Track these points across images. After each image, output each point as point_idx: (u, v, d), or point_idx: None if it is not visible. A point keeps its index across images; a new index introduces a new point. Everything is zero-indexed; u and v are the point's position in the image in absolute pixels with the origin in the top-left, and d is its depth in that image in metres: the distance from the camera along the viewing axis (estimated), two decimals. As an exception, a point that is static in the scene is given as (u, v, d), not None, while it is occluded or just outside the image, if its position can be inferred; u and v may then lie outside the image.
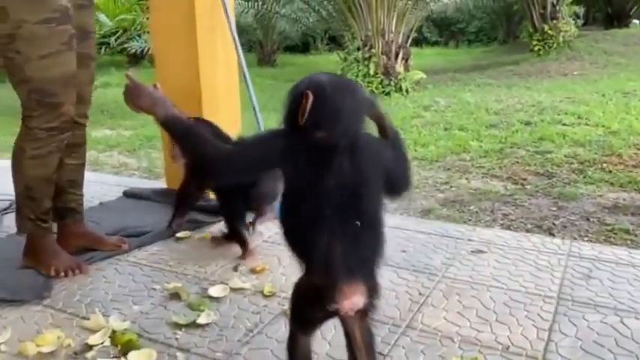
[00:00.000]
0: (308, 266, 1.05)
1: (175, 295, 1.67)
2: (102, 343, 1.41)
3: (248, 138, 1.09)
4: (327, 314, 1.06)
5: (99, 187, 2.75)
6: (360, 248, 1.00)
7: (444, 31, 15.47)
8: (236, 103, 2.60)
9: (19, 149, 1.79)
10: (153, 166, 3.98)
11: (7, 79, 1.75)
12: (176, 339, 1.44)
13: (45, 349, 1.39)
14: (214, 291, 1.67)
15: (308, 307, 1.08)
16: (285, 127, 1.04)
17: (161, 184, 2.83)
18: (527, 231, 2.47)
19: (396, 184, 1.12)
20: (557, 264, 1.78)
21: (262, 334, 1.45)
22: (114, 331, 1.45)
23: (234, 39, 2.44)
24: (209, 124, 1.92)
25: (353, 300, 0.99)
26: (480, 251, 1.91)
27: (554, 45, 9.13)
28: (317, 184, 0.98)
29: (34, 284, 1.73)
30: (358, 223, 0.99)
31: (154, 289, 1.73)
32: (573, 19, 9.57)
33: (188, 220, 2.21)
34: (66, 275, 1.82)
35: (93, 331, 1.47)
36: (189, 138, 1.08)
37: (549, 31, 9.14)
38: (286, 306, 1.56)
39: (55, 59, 1.68)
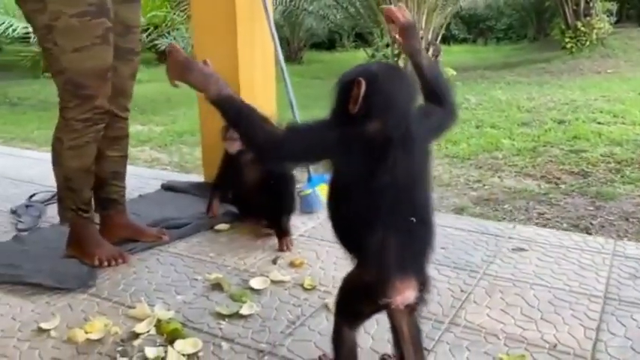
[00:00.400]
0: (359, 260, 1.04)
1: (217, 286, 1.69)
2: (148, 332, 1.44)
3: (301, 124, 1.07)
4: (376, 308, 1.06)
5: (136, 180, 2.79)
6: (413, 243, 1.00)
7: (472, 28, 15.25)
8: (272, 98, 2.61)
9: (57, 141, 1.82)
10: (184, 161, 4.02)
11: (48, 71, 1.80)
12: (220, 329, 1.46)
13: (93, 336, 1.42)
14: (255, 283, 1.69)
15: (357, 301, 1.07)
16: (335, 117, 1.02)
17: (198, 177, 2.86)
18: (565, 230, 2.43)
19: (444, 129, 1.14)
20: (602, 263, 1.75)
21: (305, 327, 1.46)
22: (159, 320, 1.48)
23: (272, 34, 2.45)
24: None
25: (405, 295, 0.98)
26: (521, 249, 1.88)
27: (587, 42, 8.91)
28: (372, 178, 0.96)
29: (79, 273, 1.77)
30: (413, 219, 0.97)
31: (196, 280, 1.75)
32: (607, 16, 9.33)
33: (225, 212, 2.23)
34: (109, 265, 1.86)
35: (138, 320, 1.49)
36: (242, 119, 1.02)
37: (582, 28, 8.91)
38: (327, 300, 1.56)
39: (88, 52, 1.71)
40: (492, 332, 1.39)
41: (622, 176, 3.29)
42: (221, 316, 1.51)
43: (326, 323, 1.46)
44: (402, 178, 0.97)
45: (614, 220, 2.74)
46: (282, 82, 2.49)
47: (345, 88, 0.98)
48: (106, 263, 1.85)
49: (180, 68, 1.07)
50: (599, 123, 4.59)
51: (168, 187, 2.63)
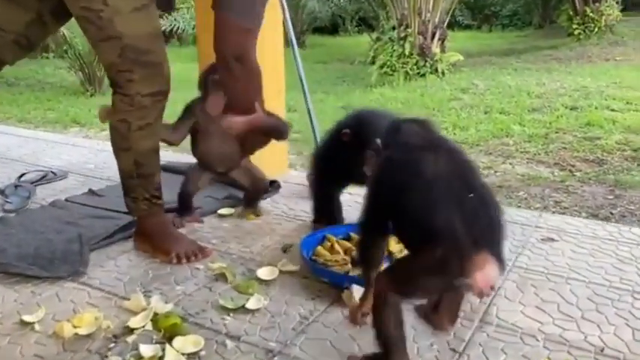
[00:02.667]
0: (426, 241, 0.97)
1: (221, 276, 1.53)
2: (143, 327, 1.29)
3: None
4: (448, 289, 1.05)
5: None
6: (480, 220, 0.96)
7: (477, 14, 15.01)
8: (281, 77, 2.44)
9: (121, 123, 1.56)
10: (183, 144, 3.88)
11: (85, 36, 1.53)
12: (224, 325, 1.31)
13: (82, 331, 1.27)
14: (263, 273, 1.53)
15: (424, 285, 1.03)
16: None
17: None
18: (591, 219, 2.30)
19: None
20: (642, 256, 1.60)
21: (318, 323, 1.31)
22: (156, 314, 1.32)
23: (283, 10, 2.30)
24: None
25: (486, 271, 0.90)
26: (551, 239, 1.73)
27: (596, 29, 8.75)
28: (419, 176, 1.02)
29: (68, 259, 1.62)
30: (471, 195, 0.98)
31: (198, 269, 1.59)
32: (616, 3, 9.15)
33: (229, 195, 2.07)
34: (188, 261, 1.63)
35: (133, 313, 1.34)
36: None
37: (591, 14, 8.75)
38: (343, 293, 1.41)
39: (146, 12, 1.48)
40: (529, 332, 1.24)
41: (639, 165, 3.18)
42: (225, 310, 1.36)
43: (342, 319, 1.32)
44: (448, 170, 1.02)
45: (636, 209, 2.66)
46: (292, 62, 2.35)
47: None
48: (184, 260, 1.62)
49: None
50: (612, 110, 4.50)
51: (164, 168, 2.45)
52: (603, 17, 8.77)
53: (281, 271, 1.55)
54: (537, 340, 1.21)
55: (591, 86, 5.43)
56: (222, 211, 2.01)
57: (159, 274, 1.58)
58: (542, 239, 1.74)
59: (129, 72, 1.50)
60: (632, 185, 2.90)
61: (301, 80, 2.32)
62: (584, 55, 7.97)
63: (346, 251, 1.57)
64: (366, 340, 1.16)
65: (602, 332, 1.24)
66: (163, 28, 8.57)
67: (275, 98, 2.23)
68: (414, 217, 0.99)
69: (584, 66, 7.08)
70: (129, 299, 1.40)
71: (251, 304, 1.37)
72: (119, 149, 1.62)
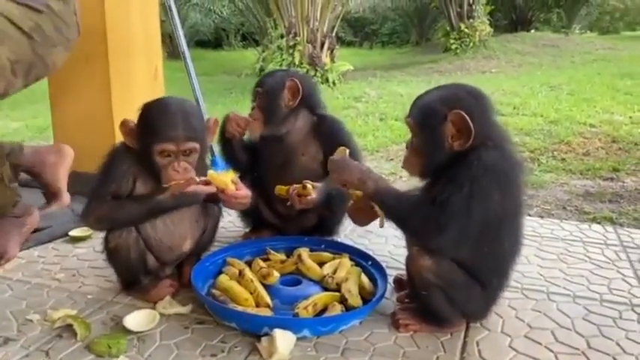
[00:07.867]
0: None
1: (67, 331, 1.00)
2: None
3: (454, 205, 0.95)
4: None
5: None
6: None
7: (358, 31, 15.42)
8: (157, 55, 1.95)
9: None
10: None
11: None
12: (68, 416, 0.79)
13: None
14: (134, 321, 1.01)
15: None
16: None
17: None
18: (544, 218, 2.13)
19: None
20: (617, 258, 1.33)
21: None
22: (-56, 409, 0.78)
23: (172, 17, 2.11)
24: None
25: None
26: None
27: (471, 44, 9.26)
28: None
29: None
30: None
31: (30, 322, 1.04)
32: (488, 20, 9.73)
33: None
34: None
35: None
36: (400, 208, 1.05)
37: (466, 30, 9.25)
38: (261, 342, 0.96)
39: None
40: (533, 378, 0.87)
41: (539, 164, 3.20)
42: (71, 388, 0.85)
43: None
44: None
45: (552, 209, 2.58)
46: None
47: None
48: None
49: (340, 168, 1.11)
50: (502, 114, 4.58)
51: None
52: (477, 32, 9.25)
53: (163, 316, 1.05)
54: (547, 388, 0.85)
55: (478, 93, 5.56)
56: (76, 232, 1.46)
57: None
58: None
59: None
60: (541, 185, 2.88)
61: (193, 89, 1.97)
62: (462, 67, 8.34)
63: (265, 277, 1.11)
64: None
65: (623, 367, 0.90)
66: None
67: (150, 83, 1.76)
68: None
69: (465, 77, 7.37)
70: None
71: (115, 375, 0.86)
72: None
